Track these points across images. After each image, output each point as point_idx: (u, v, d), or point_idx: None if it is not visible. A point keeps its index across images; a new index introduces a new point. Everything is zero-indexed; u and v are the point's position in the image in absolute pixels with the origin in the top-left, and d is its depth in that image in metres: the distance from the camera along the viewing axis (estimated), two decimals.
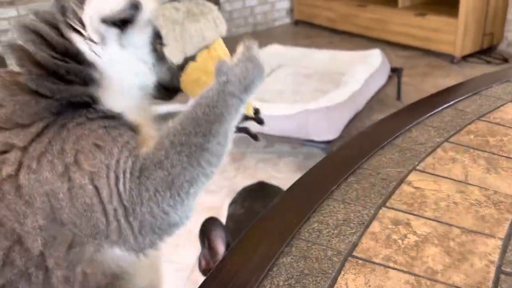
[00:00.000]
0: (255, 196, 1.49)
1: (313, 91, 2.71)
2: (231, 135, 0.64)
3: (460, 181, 0.69)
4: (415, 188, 0.67)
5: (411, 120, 0.85)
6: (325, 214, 0.62)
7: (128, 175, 0.59)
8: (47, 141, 0.60)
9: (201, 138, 0.60)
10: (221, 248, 1.13)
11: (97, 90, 0.65)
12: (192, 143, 0.60)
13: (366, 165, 0.72)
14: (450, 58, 3.61)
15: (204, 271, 1.16)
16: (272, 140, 2.45)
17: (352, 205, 0.63)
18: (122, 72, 0.68)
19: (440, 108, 0.90)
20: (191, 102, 0.64)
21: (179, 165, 0.60)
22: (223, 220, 1.47)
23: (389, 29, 3.95)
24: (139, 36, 0.69)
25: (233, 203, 1.54)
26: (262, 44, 3.49)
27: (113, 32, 0.66)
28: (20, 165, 0.59)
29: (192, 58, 0.74)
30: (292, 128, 2.28)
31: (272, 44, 3.28)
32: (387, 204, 0.63)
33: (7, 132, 0.61)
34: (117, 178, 0.59)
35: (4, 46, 0.65)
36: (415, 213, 0.61)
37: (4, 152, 0.60)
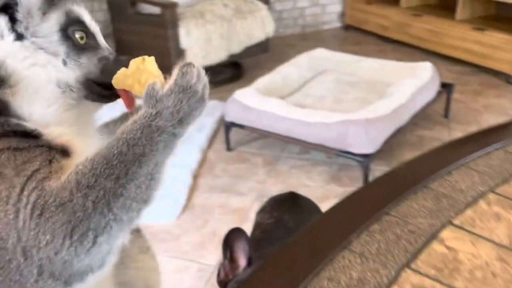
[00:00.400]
0: (285, 207, 1.44)
1: (356, 100, 2.61)
2: (162, 173, 0.55)
3: (503, 246, 0.59)
4: (448, 248, 0.58)
5: (453, 160, 0.75)
6: (338, 269, 0.55)
7: (28, 211, 0.50)
8: None
9: (114, 182, 0.51)
10: (242, 262, 1.08)
11: (4, 92, 0.56)
12: (101, 187, 0.51)
13: (394, 211, 0.64)
14: (506, 78, 3.38)
15: (220, 283, 1.11)
16: (307, 146, 2.37)
17: (371, 261, 0.56)
18: (27, 67, 0.59)
19: (488, 149, 0.80)
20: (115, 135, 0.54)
21: (82, 211, 0.50)
22: (250, 226, 1.42)
23: (443, 41, 3.75)
24: (42, 23, 0.60)
25: (261, 211, 1.49)
26: (309, 47, 3.42)
27: (1, 20, 0.57)
28: None
29: (123, 61, 0.62)
30: (330, 137, 2.20)
31: (318, 48, 3.18)
32: (412, 266, 0.55)
33: None
34: (16, 213, 0.50)
35: None
36: (444, 281, 0.53)
37: None
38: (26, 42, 0.59)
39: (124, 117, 0.74)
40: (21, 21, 0.59)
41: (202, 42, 3.18)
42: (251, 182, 2.37)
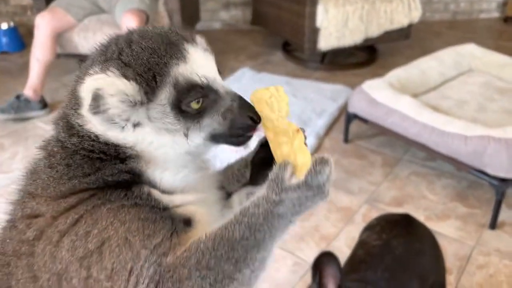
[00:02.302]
0: (397, 230, 1.31)
1: (503, 112, 2.27)
2: (271, 257, 0.55)
3: None
4: None
5: None
6: None
7: (145, 284, 0.52)
8: (76, 218, 0.56)
9: (233, 266, 0.52)
10: None
11: (137, 164, 0.59)
12: (221, 270, 0.52)
13: None
14: None
15: None
16: (435, 156, 2.13)
17: None
18: (156, 148, 0.60)
19: None
20: (233, 213, 0.55)
21: None
22: (354, 229, 1.32)
23: None
24: (153, 108, 0.58)
25: (368, 229, 1.38)
26: (457, 37, 3.04)
27: (101, 119, 0.57)
28: (41, 233, 0.56)
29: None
30: (464, 152, 1.95)
31: (468, 43, 2.81)
32: None
33: (42, 199, 0.58)
34: (136, 283, 0.52)
35: (56, 115, 0.63)
36: None
37: (33, 216, 0.58)
38: (146, 128, 0.59)
39: (239, 163, 0.74)
40: (132, 112, 0.59)
41: (339, 23, 3.01)
42: (364, 181, 2.23)
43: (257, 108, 0.61)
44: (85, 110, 0.58)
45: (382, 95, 2.25)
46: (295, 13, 3.09)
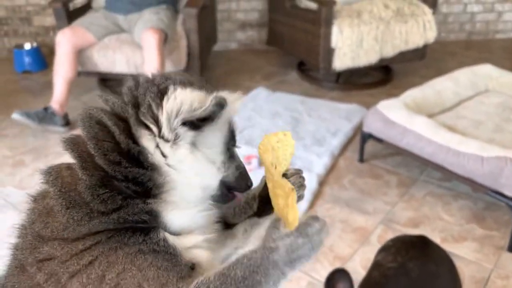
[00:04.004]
0: (412, 253, 1.29)
1: None
2: None
3: None
4: None
5: None
6: None
7: None
8: (90, 259, 0.56)
9: None
10: None
11: (157, 203, 0.60)
12: None
13: None
14: None
15: None
16: (451, 176, 2.12)
17: None
18: (188, 173, 0.61)
19: None
20: (233, 258, 0.60)
21: None
22: (369, 250, 1.32)
23: None
24: (215, 135, 0.63)
25: (384, 250, 1.37)
26: (473, 57, 3.03)
27: (190, 133, 0.60)
28: (51, 275, 0.56)
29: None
30: (480, 172, 1.93)
31: (485, 64, 2.80)
32: None
33: (55, 242, 0.58)
34: None
35: (66, 140, 0.63)
36: None
37: (46, 260, 0.58)
38: (198, 153, 0.62)
39: (246, 196, 0.79)
40: (205, 133, 0.62)
41: (353, 43, 3.04)
42: (379, 201, 2.22)
43: (262, 157, 0.68)
44: (170, 110, 0.58)
45: (397, 115, 2.25)
46: (310, 34, 3.12)
